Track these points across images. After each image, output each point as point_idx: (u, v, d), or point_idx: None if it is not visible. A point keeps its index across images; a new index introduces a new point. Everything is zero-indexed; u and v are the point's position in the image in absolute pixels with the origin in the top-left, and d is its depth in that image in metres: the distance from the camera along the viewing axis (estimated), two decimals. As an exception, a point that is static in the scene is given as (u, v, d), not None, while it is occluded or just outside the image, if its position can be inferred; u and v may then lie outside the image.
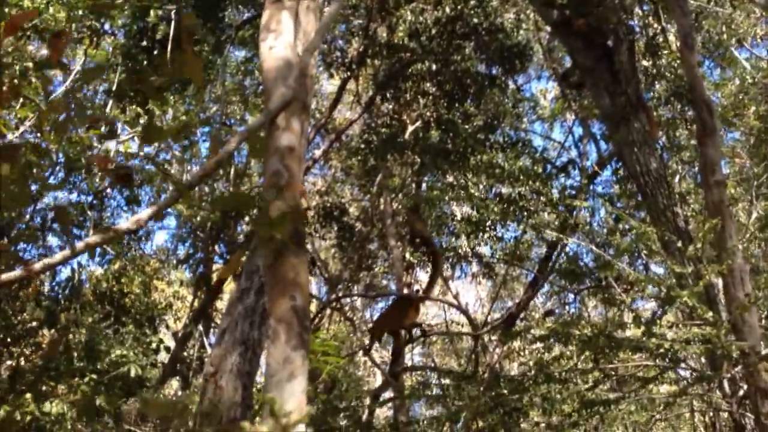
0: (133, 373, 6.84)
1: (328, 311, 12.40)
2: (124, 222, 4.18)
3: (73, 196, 11.91)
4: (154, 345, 7.48)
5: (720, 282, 6.92)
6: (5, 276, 3.35)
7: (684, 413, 10.57)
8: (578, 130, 11.58)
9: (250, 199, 2.09)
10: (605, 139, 9.65)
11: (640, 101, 7.41)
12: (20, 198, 2.95)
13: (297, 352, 3.00)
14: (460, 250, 11.69)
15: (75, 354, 6.95)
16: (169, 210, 13.99)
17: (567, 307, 11.17)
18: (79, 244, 3.12)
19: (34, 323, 7.17)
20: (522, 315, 11.42)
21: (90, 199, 11.34)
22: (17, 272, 3.25)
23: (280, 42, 3.80)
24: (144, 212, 3.18)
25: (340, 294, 12.19)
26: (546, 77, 12.96)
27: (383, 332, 9.48)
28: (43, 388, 6.80)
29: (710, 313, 4.97)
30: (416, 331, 10.25)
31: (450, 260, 11.88)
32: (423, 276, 14.12)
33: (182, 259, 13.05)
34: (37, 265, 3.22)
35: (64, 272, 8.79)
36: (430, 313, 16.34)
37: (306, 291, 3.47)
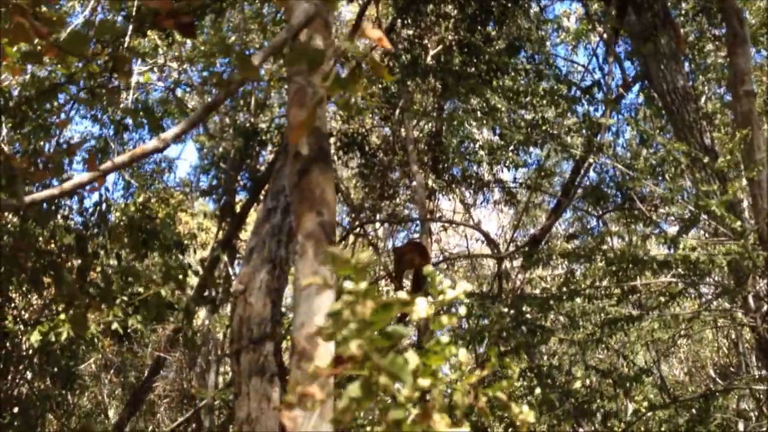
0: (163, 297, 6.96)
1: (351, 238, 12.49)
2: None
3: (95, 129, 11.98)
4: (182, 269, 7.60)
5: (746, 200, 6.88)
6: (38, 195, 3.40)
7: (706, 331, 10.65)
8: (602, 52, 11.37)
9: (320, 53, 2.01)
10: (631, 56, 9.47)
11: (667, 17, 7.25)
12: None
13: (325, 266, 3.05)
14: (482, 177, 11.67)
15: (105, 278, 7.08)
16: (191, 142, 14.06)
17: (590, 231, 11.16)
18: (107, 164, 3.15)
19: (64, 250, 7.27)
20: (545, 240, 11.44)
21: (112, 131, 11.42)
22: (51, 190, 3.30)
23: (301, -44, 3.74)
24: (169, 131, 3.19)
25: (363, 221, 12.26)
26: (569, -1, 12.68)
27: (401, 274, 9.50)
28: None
29: (738, 223, 4.95)
30: (438, 257, 10.31)
31: (472, 187, 11.87)
32: (445, 204, 14.17)
33: (205, 191, 13.14)
34: (68, 185, 3.25)
35: (90, 200, 8.92)
36: (452, 243, 16.43)
37: (333, 207, 3.49)
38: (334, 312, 1.41)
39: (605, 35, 10.34)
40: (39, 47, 2.53)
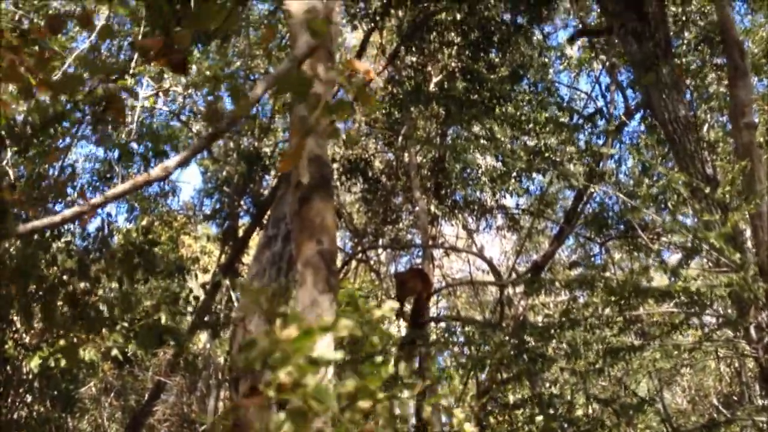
0: (163, 321, 6.95)
1: (354, 264, 12.48)
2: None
3: (100, 152, 12.04)
4: (183, 294, 7.60)
5: (747, 230, 6.87)
6: (38, 223, 3.41)
7: (709, 361, 10.59)
8: (605, 81, 11.44)
9: (307, 81, 2.03)
10: (633, 85, 9.51)
11: (668, 47, 7.29)
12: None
13: (324, 296, 3.03)
14: (485, 203, 11.69)
15: (106, 303, 7.08)
16: (195, 166, 14.12)
17: (592, 259, 11.16)
18: (110, 192, 3.16)
19: (65, 275, 7.27)
20: (547, 266, 11.43)
21: (116, 154, 11.47)
22: (51, 218, 3.31)
23: (305, -13, 3.79)
24: (172, 159, 3.21)
25: (366, 247, 12.27)
26: (572, 26, 12.76)
27: (403, 300, 9.48)
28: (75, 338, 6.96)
29: (738, 255, 4.95)
30: (441, 283, 10.28)
31: (474, 213, 11.89)
32: (448, 229, 14.17)
33: (209, 215, 13.17)
34: (68, 212, 3.27)
35: (93, 224, 8.95)
36: (454, 268, 16.41)
37: (333, 235, 3.50)
38: (248, 342, 1.42)
39: (608, 63, 10.41)
40: (32, 84, 2.55)
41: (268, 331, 1.41)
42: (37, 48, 2.52)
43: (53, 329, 6.06)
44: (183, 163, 3.50)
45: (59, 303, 6.76)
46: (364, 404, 1.45)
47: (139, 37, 9.06)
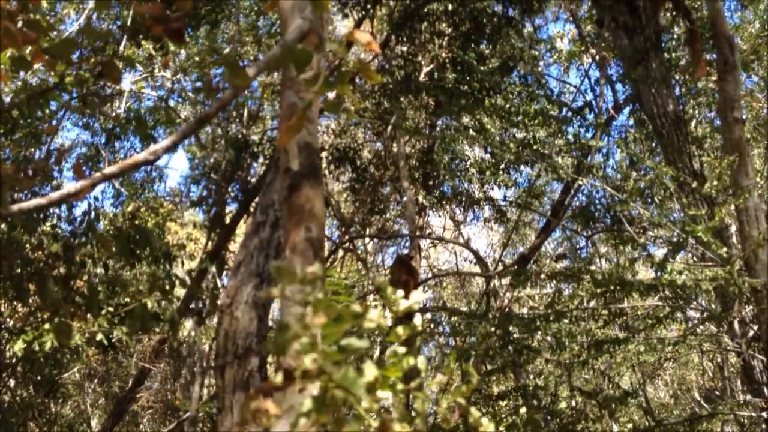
0: (149, 307, 6.91)
1: (341, 253, 12.47)
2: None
3: (86, 136, 11.95)
4: (176, 280, 7.56)
5: (733, 225, 6.92)
6: (26, 204, 3.38)
7: (692, 355, 10.68)
8: (594, 74, 11.46)
9: (307, 54, 2.00)
10: (622, 79, 9.54)
11: (659, 41, 7.31)
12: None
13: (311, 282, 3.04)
14: (473, 195, 11.70)
15: (91, 288, 7.03)
16: (182, 152, 14.04)
17: (578, 252, 11.20)
18: (98, 174, 3.14)
19: (50, 259, 7.22)
20: (533, 259, 11.47)
21: (103, 139, 11.40)
22: (39, 200, 3.28)
23: (297, -29, 3.76)
24: (160, 143, 3.19)
25: (353, 236, 12.26)
26: (563, 20, 12.77)
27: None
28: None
29: (724, 249, 4.98)
30: (427, 273, 10.31)
31: (462, 204, 11.90)
32: (435, 220, 14.18)
33: (195, 201, 13.10)
34: (55, 194, 3.24)
35: (79, 208, 8.88)
36: (440, 259, 16.44)
37: (321, 223, 3.49)
38: (282, 325, 1.41)
39: (597, 57, 10.43)
40: (28, 53, 2.52)
41: (301, 316, 1.39)
42: (32, 16, 2.49)
43: (44, 309, 6.01)
44: (172, 147, 3.49)
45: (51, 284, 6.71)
46: (383, 394, 1.44)
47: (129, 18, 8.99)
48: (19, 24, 2.52)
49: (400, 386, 1.46)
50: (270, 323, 6.46)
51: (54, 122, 9.11)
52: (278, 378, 1.41)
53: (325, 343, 1.36)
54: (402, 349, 1.50)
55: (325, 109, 2.52)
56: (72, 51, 2.47)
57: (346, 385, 1.35)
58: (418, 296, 1.59)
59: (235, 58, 10.72)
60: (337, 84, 2.00)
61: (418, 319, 1.66)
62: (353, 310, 1.41)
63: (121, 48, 8.84)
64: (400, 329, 1.56)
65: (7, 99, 7.50)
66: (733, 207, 5.53)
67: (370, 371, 1.38)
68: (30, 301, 7.15)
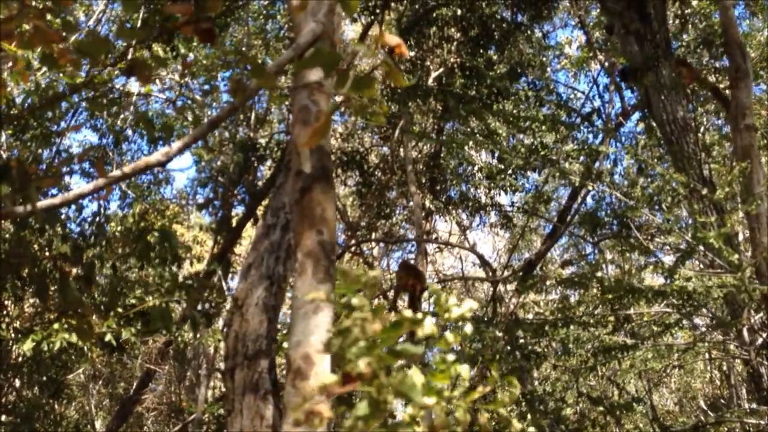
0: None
1: (347, 256, 12.47)
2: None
3: (94, 138, 11.97)
4: (190, 282, 7.57)
5: (741, 233, 6.91)
6: (42, 203, 3.39)
7: (698, 362, 10.66)
8: (603, 80, 11.46)
9: (336, 56, 2.01)
10: (631, 86, 9.54)
11: (668, 48, 7.31)
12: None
13: (323, 285, 3.04)
14: (479, 200, 11.69)
15: (100, 289, 7.06)
16: (190, 155, 14.05)
17: (585, 259, 11.19)
18: (114, 173, 3.14)
19: (59, 260, 7.24)
20: (540, 265, 11.46)
21: (111, 140, 11.41)
22: (53, 199, 3.29)
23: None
24: (174, 145, 3.19)
25: (360, 240, 12.26)
26: (571, 26, 12.78)
27: (396, 295, 9.50)
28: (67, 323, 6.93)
29: (735, 256, 4.97)
30: (434, 278, 10.29)
31: (469, 209, 11.89)
32: (442, 225, 14.18)
33: (202, 204, 13.12)
34: (71, 193, 3.24)
35: (89, 209, 8.90)
36: (446, 264, 16.42)
37: (333, 226, 3.50)
38: (343, 329, 1.41)
39: (606, 64, 10.43)
40: (55, 52, 2.53)
41: (364, 320, 1.40)
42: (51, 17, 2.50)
43: (62, 308, 6.02)
44: (184, 149, 3.49)
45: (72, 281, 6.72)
46: (429, 401, 1.44)
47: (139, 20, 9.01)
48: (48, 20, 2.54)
49: (446, 393, 1.46)
50: (279, 326, 6.46)
51: (63, 124, 9.14)
52: (334, 380, 1.41)
53: (380, 348, 1.37)
54: (451, 357, 1.50)
55: (354, 114, 2.54)
56: (104, 50, 2.48)
57: (404, 390, 1.35)
58: (471, 304, 1.58)
59: (256, 61, 10.73)
60: (364, 87, 2.01)
61: (468, 328, 1.65)
62: (411, 317, 1.41)
63: (141, 49, 8.86)
64: (449, 336, 1.55)
65: (18, 100, 7.52)
66: (742, 214, 5.52)
67: (419, 378, 1.38)
68: (49, 301, 7.18)
